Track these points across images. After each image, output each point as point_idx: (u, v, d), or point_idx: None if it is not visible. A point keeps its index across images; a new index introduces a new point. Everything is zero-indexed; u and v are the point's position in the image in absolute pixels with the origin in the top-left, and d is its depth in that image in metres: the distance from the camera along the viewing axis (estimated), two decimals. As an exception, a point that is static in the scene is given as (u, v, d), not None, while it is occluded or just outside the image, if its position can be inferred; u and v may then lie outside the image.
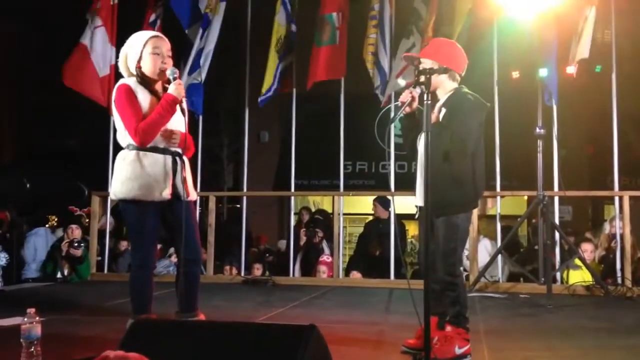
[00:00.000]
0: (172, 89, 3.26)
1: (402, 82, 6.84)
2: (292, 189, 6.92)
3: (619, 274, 5.67)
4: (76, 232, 6.48)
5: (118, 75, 6.77)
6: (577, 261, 5.61)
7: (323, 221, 7.31)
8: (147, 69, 3.30)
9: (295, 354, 1.92)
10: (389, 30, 6.53)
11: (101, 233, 6.83)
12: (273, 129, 11.46)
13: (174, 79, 3.27)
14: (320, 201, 11.77)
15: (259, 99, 6.66)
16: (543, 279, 5.14)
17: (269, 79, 6.64)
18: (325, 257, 6.58)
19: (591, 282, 5.48)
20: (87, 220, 7.21)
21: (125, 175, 3.24)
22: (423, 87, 2.98)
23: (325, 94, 6.77)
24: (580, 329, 4.00)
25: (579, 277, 5.63)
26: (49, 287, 5.99)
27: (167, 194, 3.26)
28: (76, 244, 6.29)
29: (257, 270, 6.72)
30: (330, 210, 9.21)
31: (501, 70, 6.32)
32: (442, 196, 2.92)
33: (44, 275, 6.45)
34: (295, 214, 7.57)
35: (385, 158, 9.62)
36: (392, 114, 6.59)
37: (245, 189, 7.15)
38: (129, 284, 3.39)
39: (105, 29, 6.65)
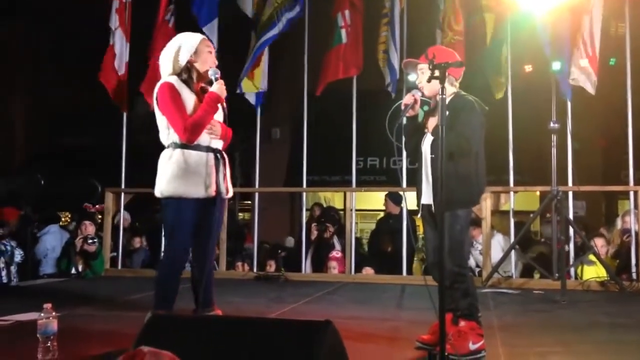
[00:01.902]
0: (215, 87, 3.32)
1: (413, 77, 6.83)
2: (304, 185, 6.93)
3: (633, 269, 5.62)
4: (90, 228, 6.53)
5: (131, 74, 6.88)
6: (592, 257, 5.57)
7: (335, 216, 7.31)
8: (201, 64, 3.35)
9: (312, 349, 1.92)
10: (399, 28, 6.53)
11: (114, 229, 6.88)
12: (284, 125, 11.46)
13: (216, 79, 3.33)
14: (331, 197, 11.78)
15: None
16: (557, 275, 5.11)
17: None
18: (335, 253, 6.58)
19: (605, 278, 5.44)
20: (100, 217, 7.27)
21: (171, 173, 3.28)
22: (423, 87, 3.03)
23: (336, 90, 6.77)
24: (595, 325, 3.98)
25: (593, 272, 5.59)
26: (63, 283, 6.05)
27: (212, 191, 3.31)
28: (90, 240, 6.34)
29: (270, 267, 6.72)
30: (341, 207, 9.22)
31: (514, 64, 6.27)
32: (449, 193, 2.93)
33: (59, 271, 6.51)
34: (307, 209, 7.57)
35: (396, 154, 9.61)
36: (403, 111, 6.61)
37: (257, 186, 7.16)
38: (155, 279, 3.41)
39: (122, 30, 6.76)
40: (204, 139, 3.32)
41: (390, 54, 6.51)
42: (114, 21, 6.76)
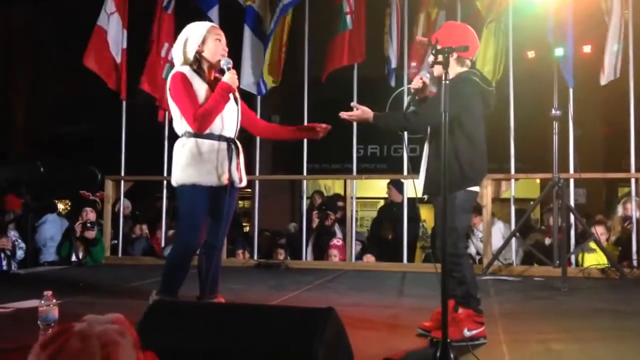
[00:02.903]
0: (227, 77, 3.32)
1: (413, 64, 6.81)
2: (305, 173, 6.91)
3: (634, 256, 5.62)
4: (90, 214, 6.52)
5: (129, 61, 6.83)
6: (592, 244, 5.57)
7: (338, 204, 7.28)
8: (209, 53, 3.36)
9: (314, 336, 1.92)
10: (395, 17, 6.53)
11: (115, 217, 6.87)
12: (284, 112, 11.41)
13: (228, 69, 3.33)
14: (332, 185, 11.76)
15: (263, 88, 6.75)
16: (557, 262, 5.11)
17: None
18: (336, 241, 6.57)
19: (606, 265, 5.44)
20: (99, 203, 7.25)
21: (185, 161, 3.31)
22: (433, 71, 3.00)
23: (337, 77, 6.73)
24: (597, 312, 3.98)
25: (594, 260, 5.59)
26: (64, 271, 6.04)
27: (224, 179, 3.32)
28: (89, 225, 6.33)
29: (280, 255, 6.69)
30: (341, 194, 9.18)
31: (516, 50, 6.23)
32: (436, 176, 2.90)
33: (59, 257, 6.50)
34: (307, 197, 7.56)
35: (397, 141, 9.59)
36: (406, 96, 6.64)
37: (257, 173, 7.14)
38: (166, 264, 3.43)
39: (119, 16, 6.70)
40: (217, 127, 3.33)
41: (388, 43, 6.52)
42: (110, 6, 6.71)
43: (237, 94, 3.42)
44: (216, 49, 3.36)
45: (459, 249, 3.06)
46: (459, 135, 3.03)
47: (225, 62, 3.34)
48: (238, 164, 3.42)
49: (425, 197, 3.26)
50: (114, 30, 6.69)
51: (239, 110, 3.45)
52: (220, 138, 3.34)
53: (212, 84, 3.35)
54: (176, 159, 3.35)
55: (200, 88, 3.31)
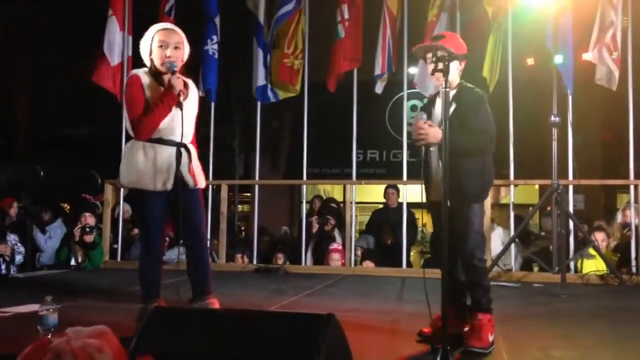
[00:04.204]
0: (168, 83, 3.28)
1: (414, 70, 6.83)
2: (304, 178, 6.91)
3: (633, 263, 5.62)
4: (90, 219, 6.51)
5: (135, 64, 6.86)
6: (591, 250, 5.57)
7: (336, 209, 7.30)
8: (156, 61, 3.35)
9: (314, 342, 1.91)
10: (382, 24, 6.58)
11: (115, 221, 6.86)
12: (285, 117, 11.43)
13: (173, 72, 3.28)
14: (331, 190, 11.77)
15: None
16: (557, 268, 5.11)
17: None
18: (336, 245, 6.57)
19: (605, 272, 5.44)
20: (100, 207, 7.24)
21: (128, 164, 3.30)
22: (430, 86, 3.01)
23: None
24: (596, 318, 3.98)
25: (593, 266, 5.59)
26: (62, 275, 6.03)
27: (168, 184, 3.29)
28: (88, 229, 6.33)
29: (280, 260, 6.68)
30: (340, 199, 9.19)
31: (515, 57, 6.25)
32: (464, 188, 2.98)
33: (58, 262, 6.49)
34: (307, 202, 7.56)
35: (396, 147, 9.60)
36: (405, 101, 6.63)
37: (257, 178, 7.15)
38: (138, 271, 3.44)
39: (116, 18, 6.71)
40: (165, 132, 3.28)
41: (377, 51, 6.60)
42: (109, 9, 6.76)
43: (182, 98, 3.30)
44: (160, 56, 3.31)
45: (483, 253, 3.16)
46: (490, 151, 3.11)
47: (171, 66, 3.28)
48: (190, 167, 3.36)
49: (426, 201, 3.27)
50: (110, 32, 6.69)
51: (183, 115, 3.31)
52: (169, 143, 3.30)
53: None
54: (123, 160, 3.34)
55: (154, 92, 3.28)
